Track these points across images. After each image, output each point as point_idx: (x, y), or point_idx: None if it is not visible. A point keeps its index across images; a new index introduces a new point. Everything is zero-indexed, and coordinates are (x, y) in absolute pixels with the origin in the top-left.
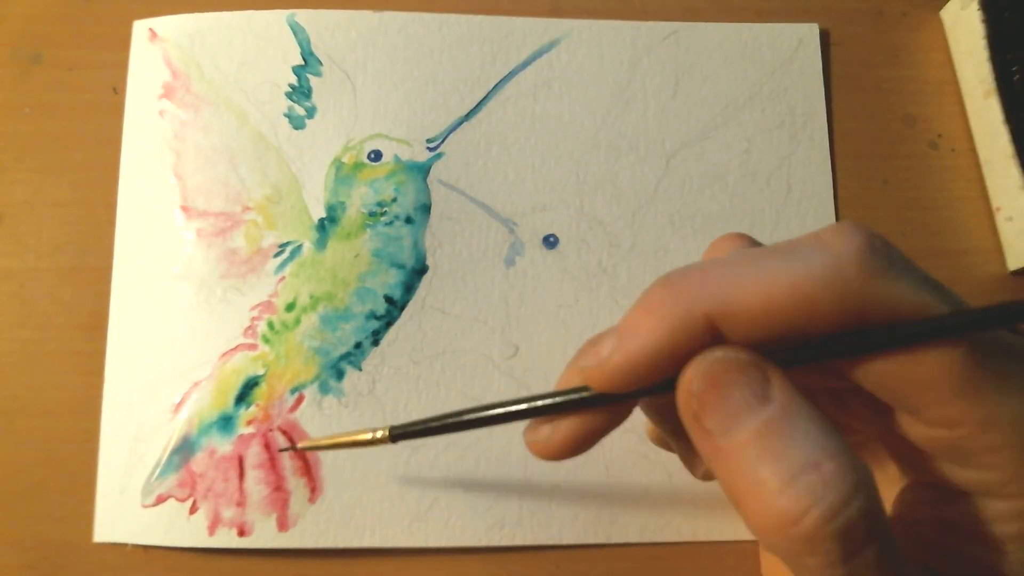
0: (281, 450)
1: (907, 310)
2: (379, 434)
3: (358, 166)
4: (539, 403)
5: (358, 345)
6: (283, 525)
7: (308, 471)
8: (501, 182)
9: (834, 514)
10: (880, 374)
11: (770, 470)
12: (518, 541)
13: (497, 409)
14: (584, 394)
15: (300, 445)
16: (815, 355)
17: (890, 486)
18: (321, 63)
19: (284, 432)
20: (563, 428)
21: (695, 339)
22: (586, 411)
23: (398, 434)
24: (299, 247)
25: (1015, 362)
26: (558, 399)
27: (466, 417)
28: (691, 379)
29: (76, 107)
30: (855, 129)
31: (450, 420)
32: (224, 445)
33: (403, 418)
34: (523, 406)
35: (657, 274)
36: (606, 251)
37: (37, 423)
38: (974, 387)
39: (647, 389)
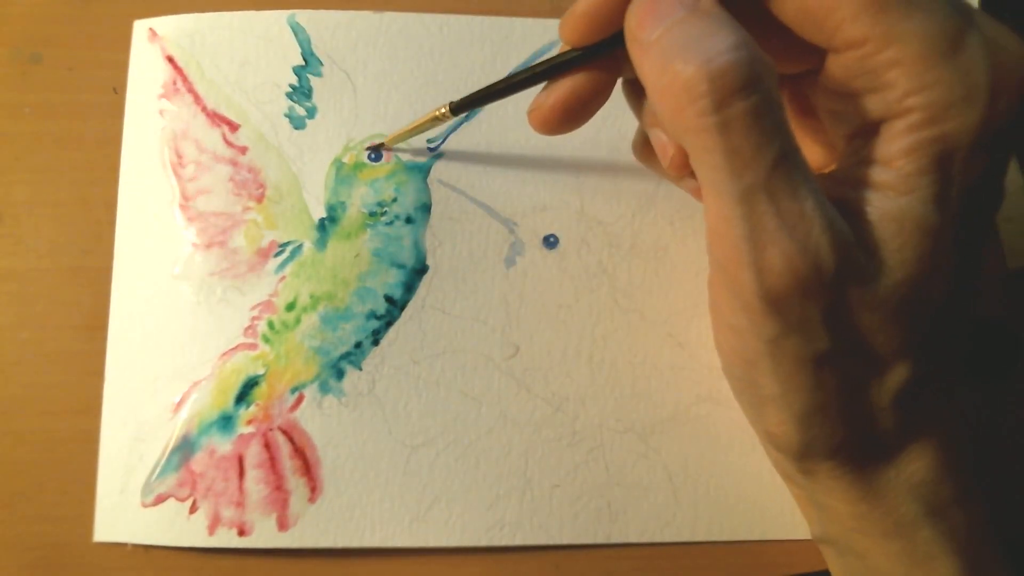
0: (370, 147)
1: None
2: (442, 111)
3: (358, 166)
4: (528, 73)
5: (358, 345)
6: (283, 525)
7: (308, 471)
8: (501, 182)
9: (710, 62)
10: (801, 2)
11: (677, 48)
12: (518, 541)
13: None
14: (564, 58)
15: (388, 140)
16: None
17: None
18: (321, 63)
19: (284, 432)
20: (556, 92)
21: None
22: (572, 71)
23: (456, 106)
24: (299, 247)
25: None
26: (543, 66)
27: (501, 86)
28: (634, 5)
29: (76, 107)
30: None
31: (492, 90)
32: (224, 445)
33: (403, 418)
34: (525, 76)
35: (657, 274)
36: (606, 251)
37: (37, 423)
38: (879, 3)
39: (613, 40)
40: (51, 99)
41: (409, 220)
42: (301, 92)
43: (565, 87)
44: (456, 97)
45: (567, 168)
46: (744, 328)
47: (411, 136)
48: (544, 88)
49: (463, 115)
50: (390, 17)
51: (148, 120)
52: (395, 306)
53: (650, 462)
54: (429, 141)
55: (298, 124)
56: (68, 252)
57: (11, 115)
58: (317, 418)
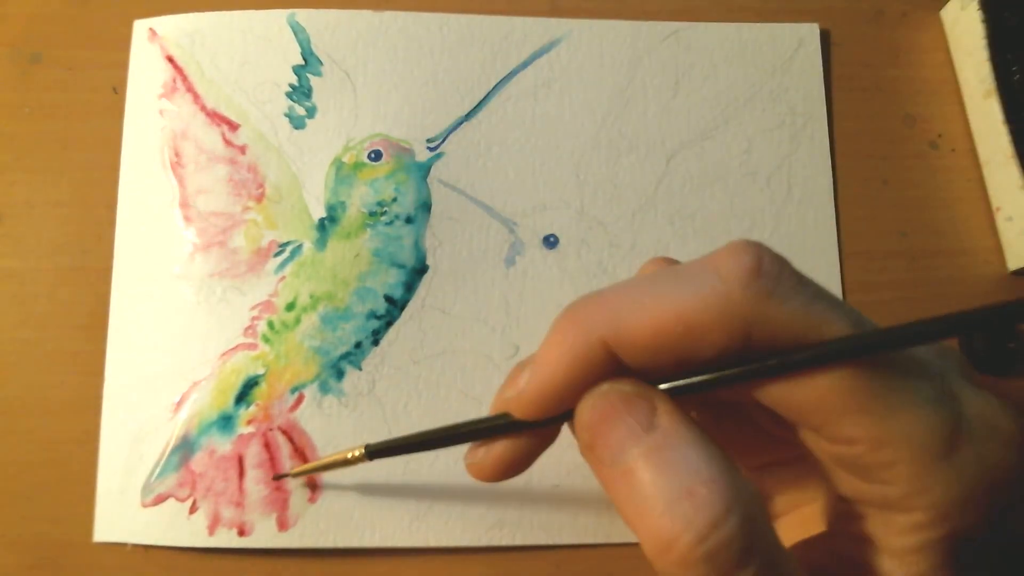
0: (275, 477)
1: (796, 331)
2: (356, 454)
3: (358, 166)
4: (466, 430)
5: (358, 345)
6: (283, 525)
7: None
8: (501, 182)
9: (703, 538)
10: (774, 397)
11: (650, 498)
12: (518, 541)
13: (448, 432)
14: (506, 421)
15: (292, 472)
16: (705, 384)
17: (812, 500)
18: (321, 63)
19: (284, 432)
20: (495, 451)
21: (596, 366)
22: (511, 436)
23: (373, 451)
24: (299, 247)
25: (907, 378)
26: (483, 426)
27: (427, 439)
28: (582, 413)
29: (76, 107)
30: (855, 129)
31: (412, 441)
32: (224, 445)
33: (403, 418)
34: (461, 431)
35: None
36: (606, 251)
37: (37, 423)
38: (865, 406)
39: (564, 415)
40: (51, 99)
41: (409, 220)
42: (301, 92)
43: (505, 448)
44: (456, 97)
45: (567, 168)
46: None
47: (318, 471)
48: (477, 444)
49: (463, 116)
50: (390, 16)
51: (148, 120)
52: (395, 306)
53: None
54: (429, 141)
55: (298, 124)
56: (68, 252)
57: (11, 115)
58: (317, 418)
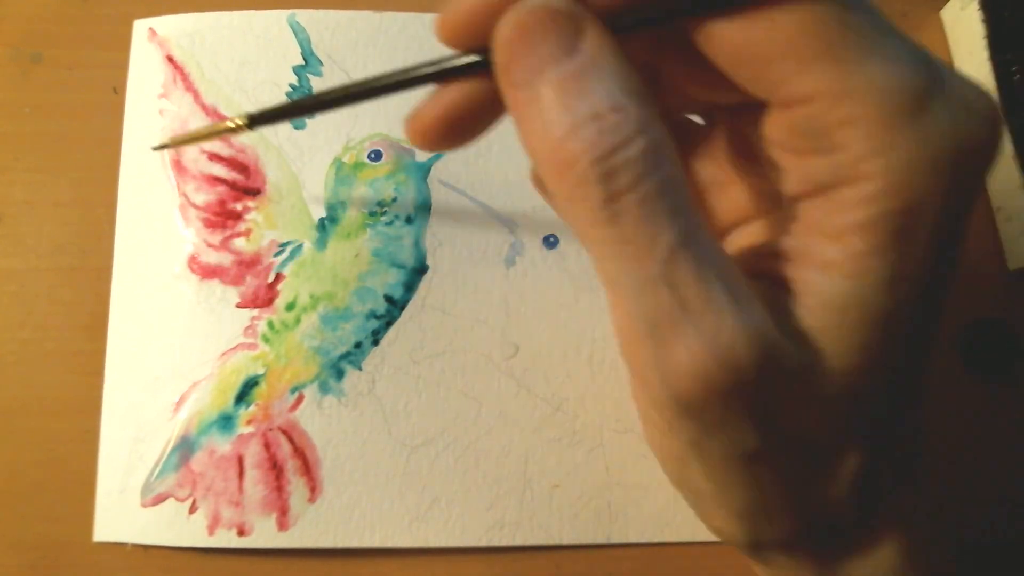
0: (154, 148)
1: None
2: (239, 121)
3: (358, 166)
4: (394, 78)
5: (358, 345)
6: (283, 525)
7: (308, 471)
8: (501, 182)
9: (602, 157)
10: (734, 44)
11: (558, 120)
12: (518, 541)
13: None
14: (430, 67)
15: (168, 141)
16: (657, 13)
17: (766, 202)
18: (321, 63)
19: (284, 432)
20: (437, 104)
21: None
22: (448, 80)
23: (255, 117)
24: (299, 247)
25: (882, 31)
26: (416, 70)
27: (324, 98)
28: (502, 27)
29: (76, 107)
30: None
31: (308, 101)
32: (224, 445)
33: (403, 419)
34: (383, 83)
35: None
36: None
37: (37, 423)
38: (834, 49)
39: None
40: (51, 99)
41: (409, 220)
42: (301, 92)
43: (450, 96)
44: None
45: None
46: (663, 429)
47: (195, 142)
48: (431, 94)
49: None
50: (390, 17)
51: (148, 120)
52: (395, 306)
53: (650, 462)
54: None
55: (298, 124)
56: (68, 252)
57: (11, 115)
58: (317, 418)
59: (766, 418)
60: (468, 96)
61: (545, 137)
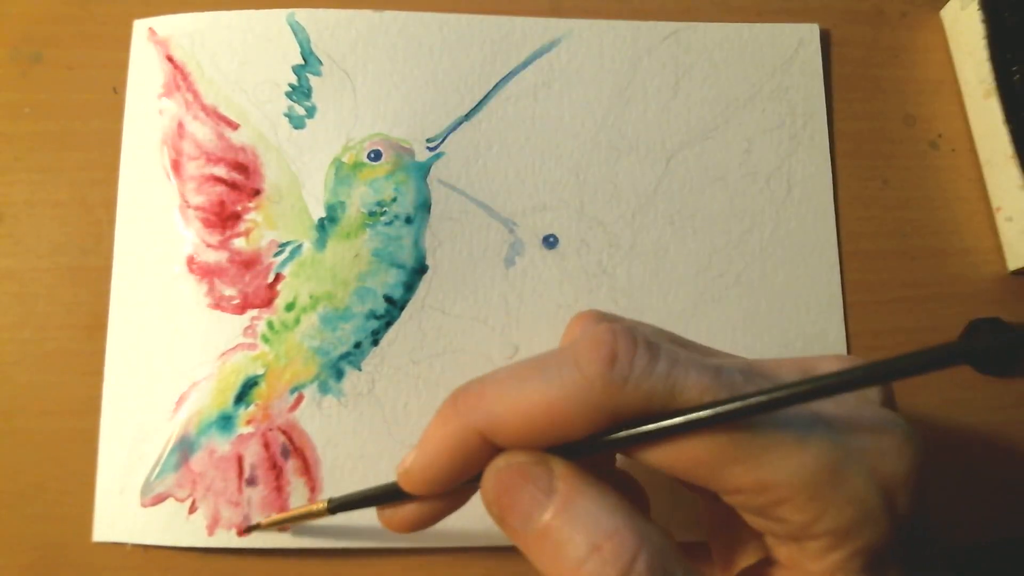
0: (244, 531)
1: (658, 403)
2: (319, 507)
3: (358, 166)
4: (365, 496)
5: (358, 345)
6: (283, 525)
7: (308, 471)
8: (501, 182)
9: None
10: (660, 460)
11: (563, 557)
12: None
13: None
14: (400, 491)
15: (260, 523)
16: (593, 448)
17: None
18: (321, 63)
19: (283, 432)
20: (400, 513)
21: (476, 450)
22: (407, 503)
23: (335, 507)
24: (299, 247)
25: (777, 427)
26: (379, 494)
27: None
28: (486, 489)
29: (76, 107)
30: (855, 129)
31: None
32: (223, 445)
33: (403, 419)
34: (364, 497)
35: (657, 274)
36: (606, 251)
37: (37, 423)
38: (739, 458)
39: (453, 488)
40: (51, 99)
41: (409, 220)
42: (301, 91)
43: (410, 511)
44: (456, 97)
45: (567, 168)
46: None
47: (285, 523)
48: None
49: (463, 116)
50: (390, 16)
51: (148, 120)
52: (395, 306)
53: None
54: (429, 141)
55: (298, 124)
56: (68, 252)
57: (11, 115)
58: (317, 418)
59: None
60: (419, 511)
61: (562, 574)
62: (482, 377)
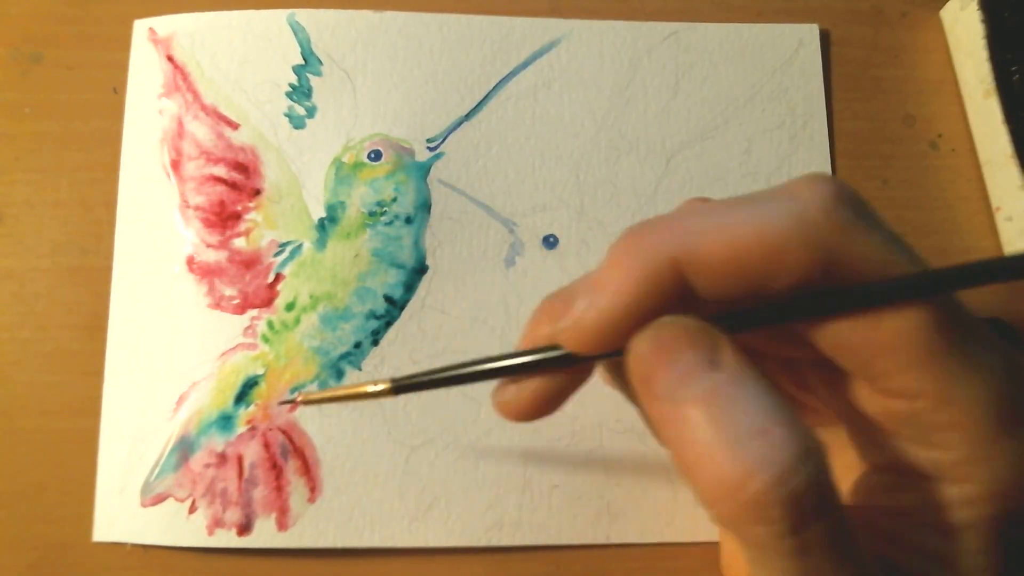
0: (281, 403)
1: (874, 267)
2: (381, 387)
3: (358, 166)
4: (516, 361)
5: (358, 345)
6: (282, 525)
7: (308, 471)
8: (501, 182)
9: (783, 479)
10: (840, 337)
11: (717, 435)
12: (517, 541)
13: (484, 365)
14: (557, 353)
15: (300, 399)
16: (774, 317)
17: (848, 472)
18: (321, 63)
19: (283, 432)
20: (529, 388)
21: (667, 291)
22: (557, 371)
23: (400, 386)
24: (299, 247)
25: (979, 343)
26: (535, 357)
27: (459, 372)
28: (640, 344)
29: (76, 107)
30: (855, 129)
31: (447, 374)
32: (223, 444)
33: (402, 418)
34: (503, 363)
35: None
36: (606, 251)
37: (37, 423)
38: (937, 358)
39: (619, 350)
40: (51, 99)
41: (409, 220)
42: (301, 91)
43: (540, 385)
44: (456, 97)
45: (567, 168)
46: None
47: (333, 402)
48: (510, 380)
49: (463, 116)
50: (390, 16)
51: (148, 120)
52: (395, 306)
53: (650, 462)
54: (429, 141)
55: (298, 124)
56: (68, 252)
57: (11, 115)
58: (317, 418)
59: None
60: (552, 383)
61: (706, 456)
62: (667, 213)
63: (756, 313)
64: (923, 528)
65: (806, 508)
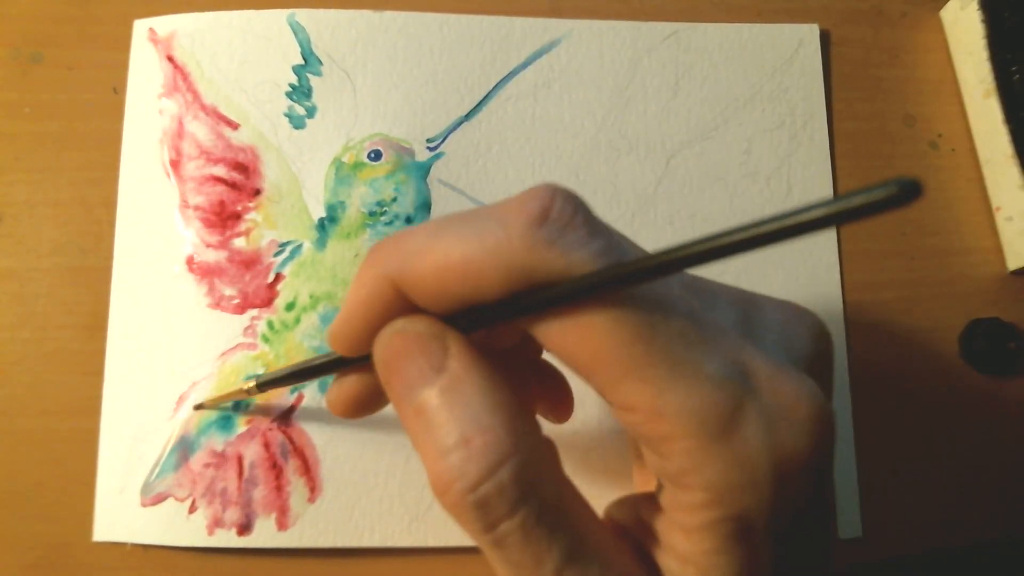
0: (196, 407)
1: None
2: (249, 386)
3: (358, 166)
4: (305, 367)
5: None
6: (282, 525)
7: (307, 471)
8: (501, 182)
9: (472, 487)
10: (558, 344)
11: (429, 444)
12: None
13: (294, 368)
14: (332, 357)
15: (197, 405)
16: (491, 318)
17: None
18: (321, 63)
19: (284, 431)
20: (342, 388)
21: (387, 304)
22: (341, 372)
23: (261, 383)
24: (299, 247)
25: (691, 348)
26: (323, 360)
27: (285, 373)
28: (378, 348)
29: (76, 107)
30: (855, 129)
31: (294, 370)
32: (223, 444)
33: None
34: (305, 366)
35: None
36: None
37: (37, 423)
38: (642, 370)
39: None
40: (51, 99)
41: (409, 220)
42: (301, 91)
43: (349, 385)
44: (456, 97)
45: (567, 168)
46: None
47: (222, 403)
48: (333, 381)
49: (463, 116)
50: (390, 16)
51: (148, 120)
52: None
53: None
54: (429, 141)
55: (298, 124)
56: (68, 252)
57: (11, 115)
58: (317, 418)
59: None
60: (354, 385)
61: (428, 456)
62: (405, 229)
63: (479, 313)
64: (673, 530)
65: (495, 510)
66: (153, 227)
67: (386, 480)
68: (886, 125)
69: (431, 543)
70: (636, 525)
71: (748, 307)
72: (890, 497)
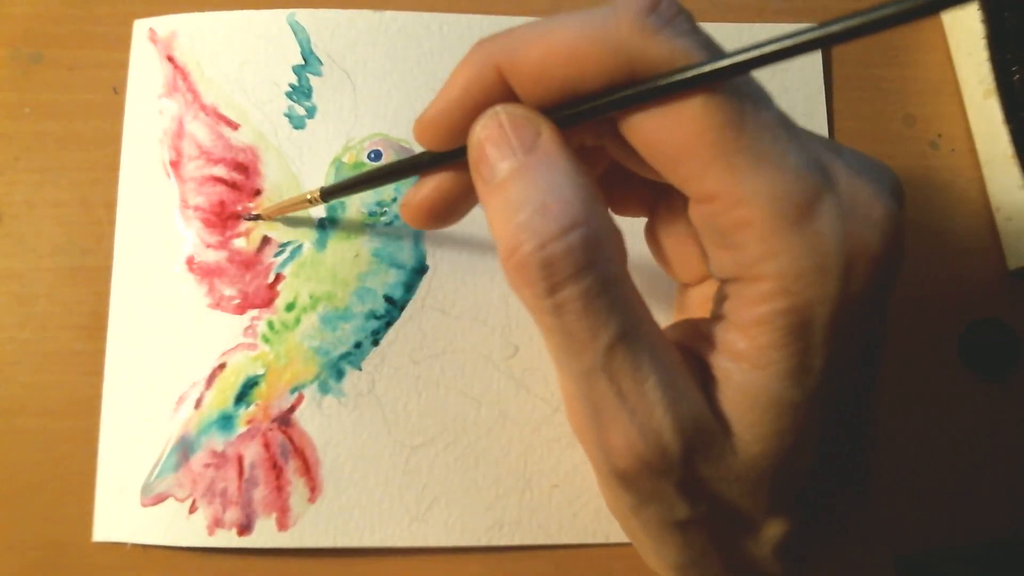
0: (246, 217)
1: (673, 67)
2: (313, 195)
3: (358, 166)
4: (392, 168)
5: (358, 345)
6: (283, 525)
7: (308, 471)
8: None
9: (541, 246)
10: (649, 138)
11: (511, 209)
12: (517, 541)
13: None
14: (422, 153)
15: (253, 216)
16: (586, 112)
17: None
18: (321, 62)
19: (284, 432)
20: (421, 192)
21: (488, 90)
22: (431, 170)
23: (326, 192)
24: (299, 247)
25: (776, 140)
26: (404, 164)
27: (362, 177)
28: (473, 130)
29: (76, 107)
30: (855, 129)
31: (366, 177)
32: (223, 444)
33: (403, 419)
34: (387, 167)
35: (657, 274)
36: None
37: (37, 423)
38: (729, 156)
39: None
40: (51, 99)
41: None
42: (301, 91)
43: (431, 186)
44: None
45: None
46: (608, 494)
47: (282, 213)
48: (416, 182)
49: None
50: (390, 16)
51: (148, 120)
52: (395, 306)
53: None
54: None
55: (298, 124)
56: (68, 252)
57: (11, 115)
58: (317, 418)
59: (694, 492)
60: (445, 186)
61: (502, 224)
62: (516, 26)
63: (575, 107)
64: (730, 330)
65: (561, 271)
66: (153, 227)
67: (386, 480)
68: (886, 125)
69: (431, 543)
70: (690, 338)
71: (832, 143)
72: (890, 497)
